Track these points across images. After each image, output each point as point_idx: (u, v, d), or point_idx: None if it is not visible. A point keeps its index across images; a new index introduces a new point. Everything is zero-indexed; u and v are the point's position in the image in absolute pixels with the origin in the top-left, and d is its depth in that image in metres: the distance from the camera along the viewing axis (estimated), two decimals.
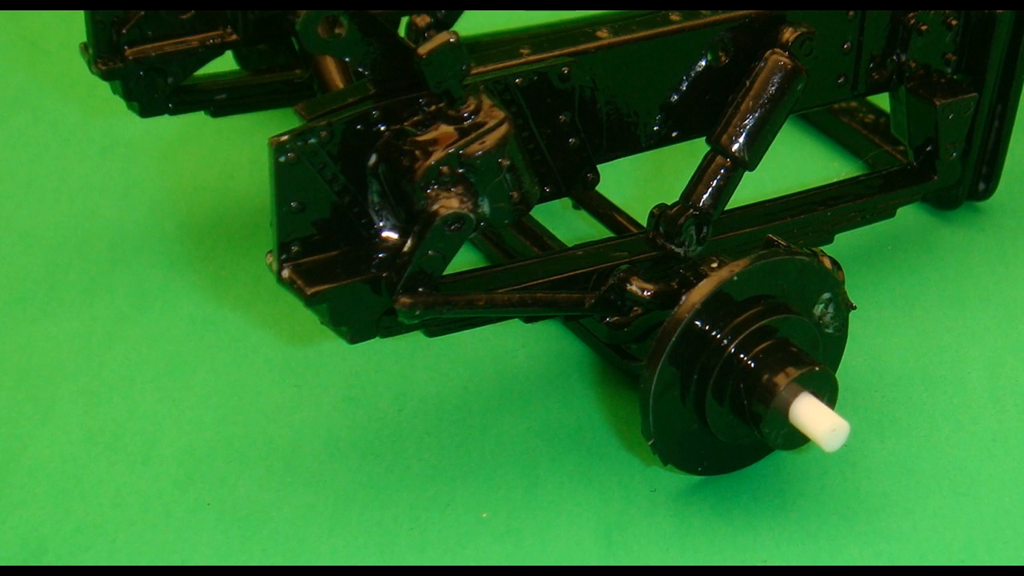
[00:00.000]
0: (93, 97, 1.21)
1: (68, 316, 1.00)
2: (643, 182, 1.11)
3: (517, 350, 0.97)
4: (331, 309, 0.80)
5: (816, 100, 0.95)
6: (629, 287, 0.86)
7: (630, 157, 0.91)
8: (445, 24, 1.04)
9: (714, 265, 0.84)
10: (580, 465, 0.88)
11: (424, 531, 0.84)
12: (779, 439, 0.82)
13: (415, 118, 0.79)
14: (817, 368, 0.81)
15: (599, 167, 0.88)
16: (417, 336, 0.86)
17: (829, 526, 0.84)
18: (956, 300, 1.00)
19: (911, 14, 0.95)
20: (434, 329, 0.85)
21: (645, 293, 0.85)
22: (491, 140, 0.78)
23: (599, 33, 0.86)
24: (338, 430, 0.91)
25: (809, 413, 0.80)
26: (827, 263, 0.84)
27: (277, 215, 0.78)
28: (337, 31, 0.76)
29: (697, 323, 0.81)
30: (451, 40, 0.76)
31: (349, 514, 0.85)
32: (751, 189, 0.98)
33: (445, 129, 0.78)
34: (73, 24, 1.19)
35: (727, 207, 0.89)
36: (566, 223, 1.04)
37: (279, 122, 1.11)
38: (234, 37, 0.99)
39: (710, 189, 0.87)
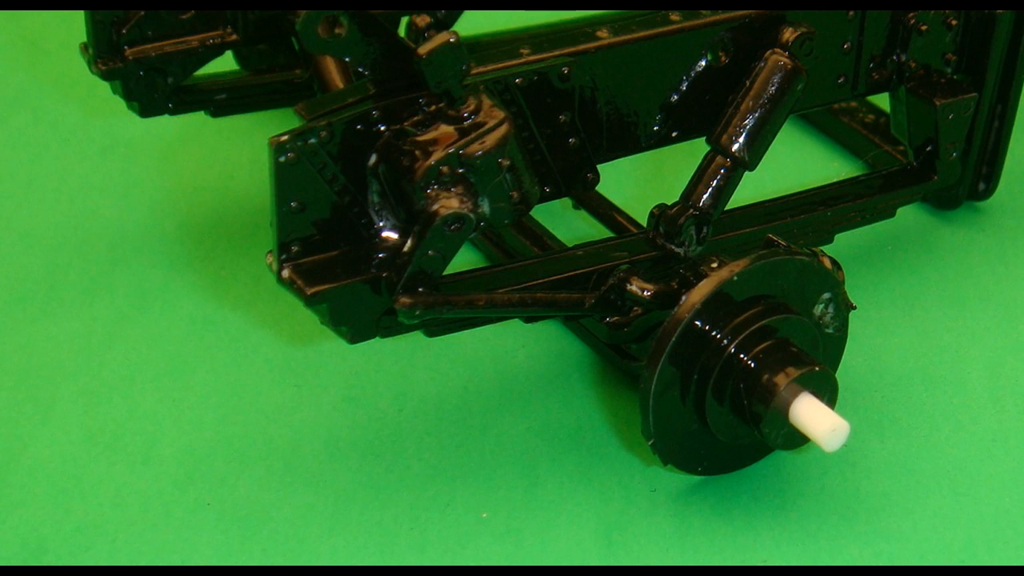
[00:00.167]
0: (93, 97, 1.21)
1: (68, 316, 1.00)
2: (643, 182, 1.11)
3: (517, 350, 0.97)
4: (331, 309, 0.80)
5: (816, 100, 0.95)
6: (629, 287, 0.86)
7: (630, 157, 0.90)
8: (445, 24, 1.04)
9: (714, 265, 0.84)
10: (580, 465, 0.88)
11: (424, 531, 0.84)
12: (779, 439, 0.82)
13: (415, 118, 0.79)
14: (817, 368, 0.81)
15: (599, 167, 0.88)
16: (417, 336, 0.86)
17: (829, 526, 0.84)
18: (956, 300, 1.00)
19: (911, 14, 0.95)
20: (434, 329, 0.85)
21: (645, 293, 0.85)
22: (491, 140, 0.78)
23: (599, 33, 0.86)
24: (338, 430, 0.91)
25: (809, 413, 0.80)
26: (827, 263, 0.84)
27: (277, 215, 0.78)
28: (337, 31, 0.76)
29: (697, 323, 0.81)
30: (451, 40, 0.76)
31: (349, 514, 0.85)
32: (751, 189, 0.98)
33: (445, 129, 0.78)
34: (73, 24, 1.19)
35: (727, 207, 0.90)
36: (566, 223, 1.04)
37: (279, 122, 1.11)
38: (234, 37, 0.99)
39: (710, 189, 0.87)
